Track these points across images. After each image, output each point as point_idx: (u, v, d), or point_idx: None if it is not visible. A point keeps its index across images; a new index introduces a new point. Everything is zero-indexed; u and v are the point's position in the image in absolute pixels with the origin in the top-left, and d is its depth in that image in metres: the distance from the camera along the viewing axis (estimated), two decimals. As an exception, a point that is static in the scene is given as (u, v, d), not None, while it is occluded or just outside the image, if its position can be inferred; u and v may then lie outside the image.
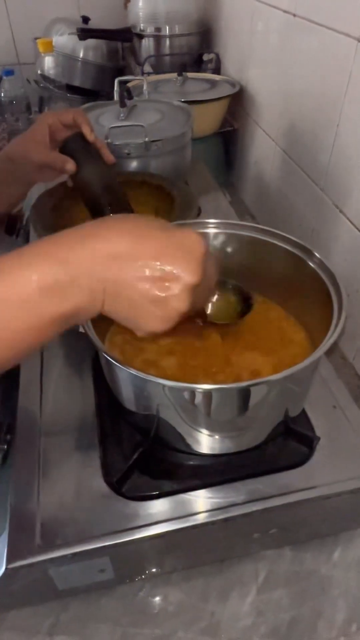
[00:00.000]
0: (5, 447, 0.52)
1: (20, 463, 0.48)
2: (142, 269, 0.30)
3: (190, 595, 0.50)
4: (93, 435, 0.51)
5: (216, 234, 0.55)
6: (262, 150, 1.07)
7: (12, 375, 0.58)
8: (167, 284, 0.31)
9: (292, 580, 0.51)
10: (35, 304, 0.29)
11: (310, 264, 0.48)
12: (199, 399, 0.39)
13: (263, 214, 1.11)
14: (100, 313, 0.32)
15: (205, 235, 0.54)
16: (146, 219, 0.33)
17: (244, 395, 0.40)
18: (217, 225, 0.55)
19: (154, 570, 0.49)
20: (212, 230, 0.55)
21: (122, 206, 0.64)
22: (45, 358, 0.59)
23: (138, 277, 0.30)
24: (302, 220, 0.88)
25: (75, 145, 0.64)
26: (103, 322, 0.52)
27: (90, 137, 0.64)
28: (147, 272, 0.30)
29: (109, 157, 0.67)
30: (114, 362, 0.40)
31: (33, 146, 0.63)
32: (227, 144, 1.24)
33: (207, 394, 0.39)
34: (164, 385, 0.38)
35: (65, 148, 0.64)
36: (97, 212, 0.63)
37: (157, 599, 0.50)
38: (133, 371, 0.39)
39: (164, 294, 0.31)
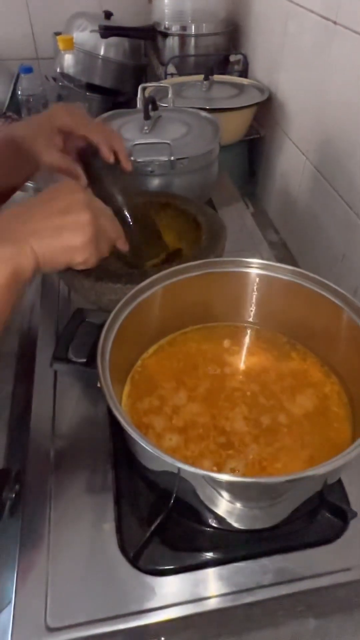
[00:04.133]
0: (14, 496, 0.49)
1: (29, 524, 0.44)
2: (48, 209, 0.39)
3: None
4: (107, 491, 0.47)
5: (251, 274, 0.51)
6: (290, 162, 1.01)
7: (22, 418, 0.54)
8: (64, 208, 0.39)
9: (317, 655, 0.47)
10: None
11: (350, 312, 0.44)
12: (219, 484, 0.35)
13: (288, 229, 1.06)
14: (39, 265, 0.38)
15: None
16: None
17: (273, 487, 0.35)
18: (257, 266, 0.50)
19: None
20: (250, 270, 0.50)
21: (146, 222, 0.61)
22: (58, 398, 0.56)
23: (46, 215, 0.39)
24: (331, 243, 0.83)
25: (98, 162, 0.59)
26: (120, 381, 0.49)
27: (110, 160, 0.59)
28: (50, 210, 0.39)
29: (126, 164, 0.60)
30: (130, 431, 0.36)
31: (43, 143, 0.56)
32: (251, 151, 1.18)
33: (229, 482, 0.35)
34: (179, 468, 0.34)
35: (85, 159, 0.59)
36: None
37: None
38: (150, 448, 0.35)
39: (65, 212, 0.39)
